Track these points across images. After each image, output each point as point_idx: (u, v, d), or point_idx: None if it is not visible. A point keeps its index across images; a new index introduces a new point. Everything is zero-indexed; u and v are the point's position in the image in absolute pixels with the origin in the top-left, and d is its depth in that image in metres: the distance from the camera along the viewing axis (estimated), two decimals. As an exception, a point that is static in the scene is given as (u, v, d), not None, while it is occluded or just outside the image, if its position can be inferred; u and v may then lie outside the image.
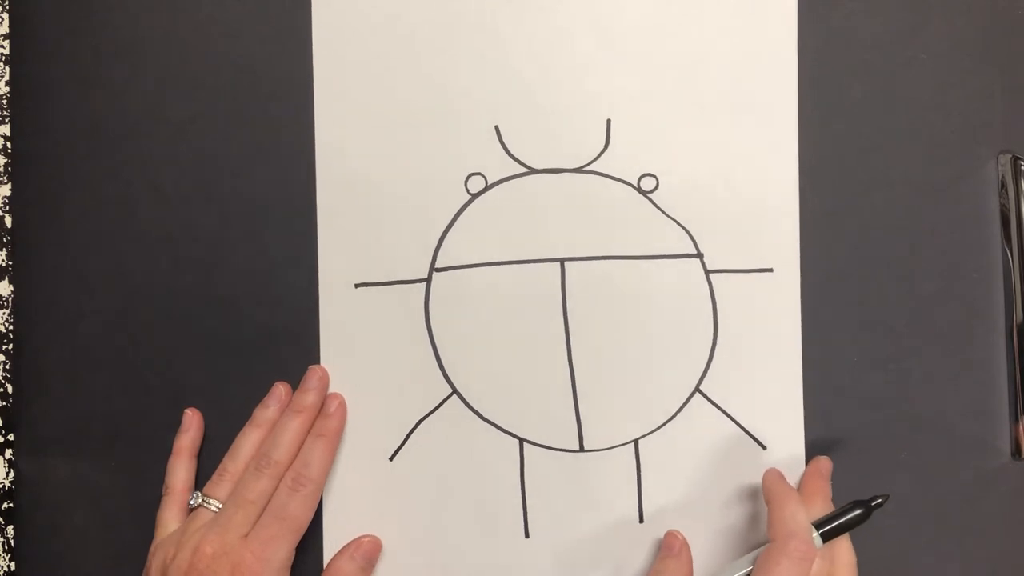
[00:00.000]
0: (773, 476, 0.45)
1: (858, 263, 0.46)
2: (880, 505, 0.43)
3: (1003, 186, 0.46)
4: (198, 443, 0.47)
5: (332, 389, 0.46)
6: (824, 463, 0.45)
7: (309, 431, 0.45)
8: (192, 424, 0.47)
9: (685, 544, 0.45)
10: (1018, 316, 0.46)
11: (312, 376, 0.46)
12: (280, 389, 0.46)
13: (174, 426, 0.47)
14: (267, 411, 0.46)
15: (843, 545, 0.43)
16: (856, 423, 0.46)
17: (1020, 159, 0.46)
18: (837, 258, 0.46)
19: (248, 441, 0.45)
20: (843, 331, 0.46)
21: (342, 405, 0.46)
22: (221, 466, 0.45)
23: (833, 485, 0.45)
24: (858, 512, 0.43)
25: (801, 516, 0.42)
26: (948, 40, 0.46)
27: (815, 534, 0.42)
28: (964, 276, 0.46)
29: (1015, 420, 0.46)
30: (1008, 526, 0.46)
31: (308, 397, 0.46)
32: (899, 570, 0.46)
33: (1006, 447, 0.46)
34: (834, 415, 0.46)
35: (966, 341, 0.46)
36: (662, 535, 0.46)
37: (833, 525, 0.43)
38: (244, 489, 0.44)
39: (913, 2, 0.46)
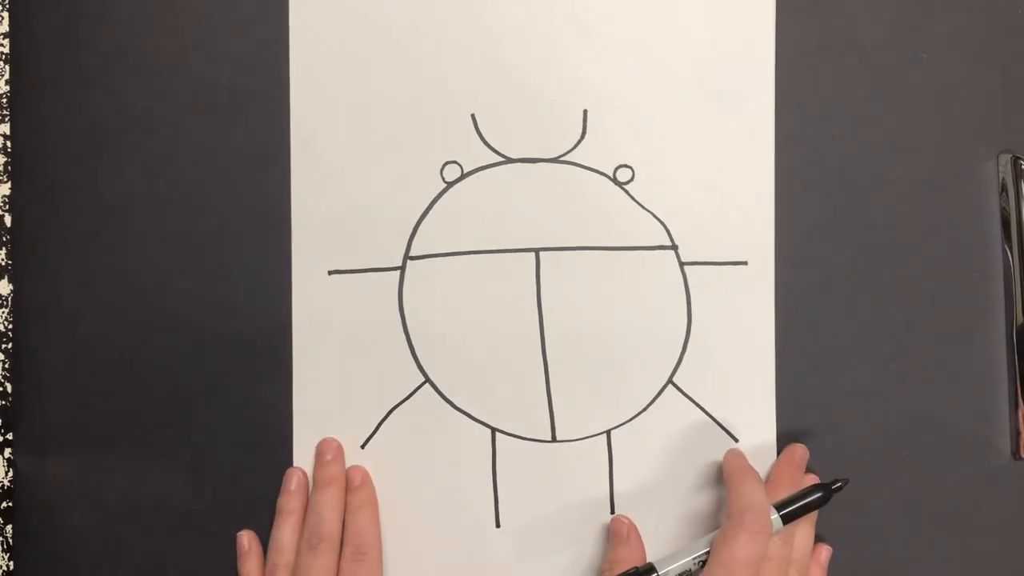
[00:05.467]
0: (733, 455, 0.45)
1: (856, 261, 0.46)
2: (840, 489, 0.44)
3: (1003, 186, 0.46)
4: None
5: (305, 377, 0.46)
6: (798, 451, 0.45)
7: (344, 502, 0.46)
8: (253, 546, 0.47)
9: (633, 528, 0.45)
10: (1018, 316, 0.46)
11: (327, 448, 0.46)
12: (298, 473, 0.46)
13: (174, 426, 0.47)
14: (292, 499, 0.46)
15: (803, 534, 0.44)
16: (855, 422, 0.46)
17: (1020, 159, 0.46)
18: (833, 256, 0.46)
19: (286, 531, 0.45)
20: (836, 329, 0.46)
21: (366, 474, 0.46)
22: (270, 564, 0.45)
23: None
24: (817, 495, 0.43)
25: (759, 493, 0.42)
26: (948, 40, 0.46)
27: (774, 515, 0.42)
28: (964, 276, 0.46)
29: (1015, 420, 0.46)
30: (1008, 526, 0.46)
31: (332, 468, 0.46)
32: (899, 570, 0.46)
33: (1006, 447, 0.46)
34: (832, 414, 0.46)
35: (966, 341, 0.46)
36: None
37: (793, 507, 0.43)
38: (309, 570, 0.44)
39: (913, 2, 0.46)
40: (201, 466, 0.47)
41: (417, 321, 0.46)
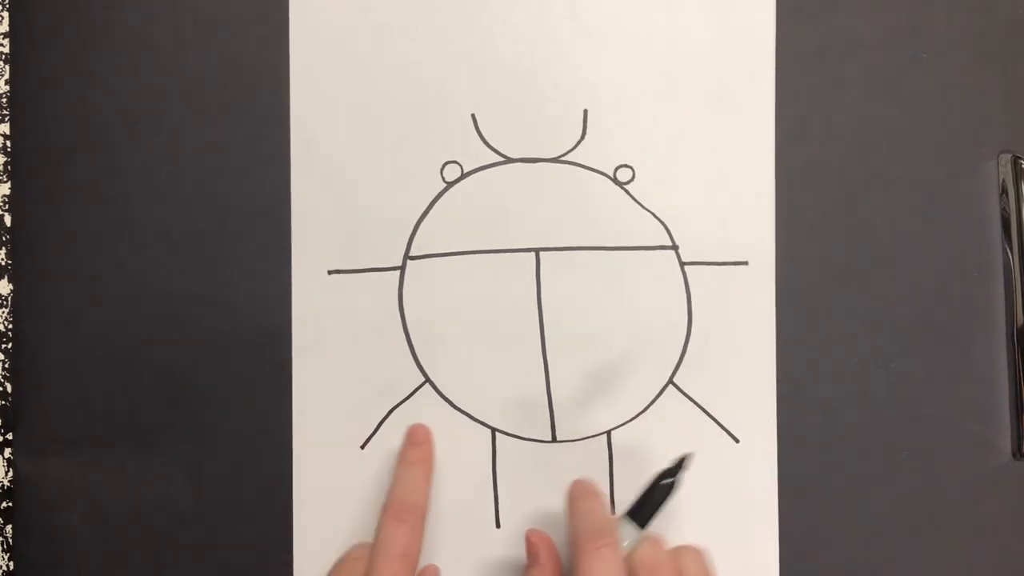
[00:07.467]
0: (575, 484, 0.43)
1: (856, 261, 0.46)
2: (681, 466, 0.42)
3: (1003, 186, 0.46)
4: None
5: (305, 377, 0.46)
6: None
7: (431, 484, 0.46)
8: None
9: (545, 545, 0.43)
10: (1018, 316, 0.46)
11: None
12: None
13: (174, 426, 0.47)
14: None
15: (689, 555, 0.42)
16: (856, 422, 0.46)
17: (1020, 159, 0.46)
18: (833, 256, 0.46)
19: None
20: (837, 329, 0.46)
21: (429, 434, 0.46)
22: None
23: (832, 487, 0.45)
24: (667, 481, 0.42)
25: (593, 511, 0.41)
26: (948, 40, 0.46)
27: (629, 524, 0.41)
28: (964, 276, 0.46)
29: (1015, 420, 0.46)
30: (1008, 526, 0.46)
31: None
32: (899, 570, 0.46)
33: (1006, 447, 0.46)
34: (832, 414, 0.46)
35: (966, 341, 0.46)
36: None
37: (644, 508, 0.42)
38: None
39: (913, 2, 0.46)
40: (201, 466, 0.47)
41: (417, 321, 0.46)
